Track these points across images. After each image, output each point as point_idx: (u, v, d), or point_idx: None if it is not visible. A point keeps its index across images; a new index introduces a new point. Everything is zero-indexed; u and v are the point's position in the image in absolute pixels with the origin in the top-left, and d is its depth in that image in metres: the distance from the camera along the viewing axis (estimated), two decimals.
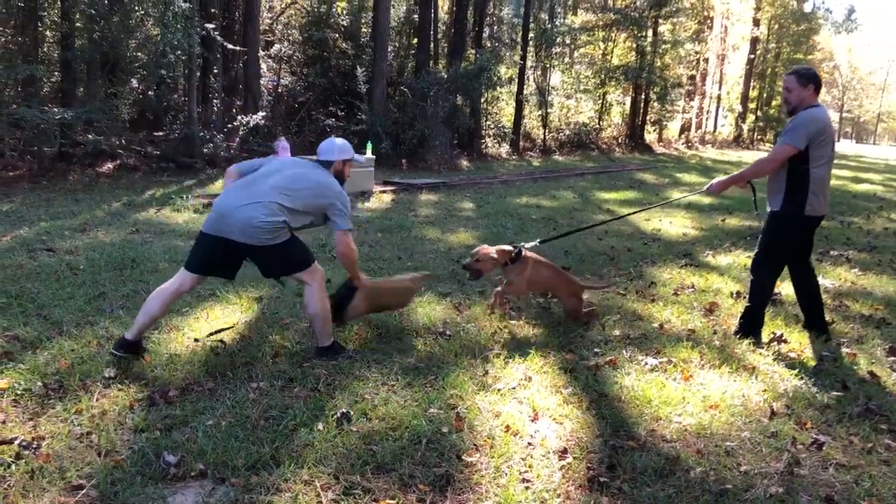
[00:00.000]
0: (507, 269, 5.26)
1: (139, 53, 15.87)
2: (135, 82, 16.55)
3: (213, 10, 17.76)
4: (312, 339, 4.79)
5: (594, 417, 3.77)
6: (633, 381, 4.22)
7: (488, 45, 25.41)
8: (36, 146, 14.13)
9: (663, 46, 32.05)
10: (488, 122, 25.42)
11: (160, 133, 17.53)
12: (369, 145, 14.89)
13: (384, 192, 13.63)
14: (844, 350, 4.94)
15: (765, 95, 45.93)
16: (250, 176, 4.38)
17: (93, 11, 14.63)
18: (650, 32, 31.59)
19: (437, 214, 11.04)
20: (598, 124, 31.60)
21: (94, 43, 14.68)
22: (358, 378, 4.16)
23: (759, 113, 45.60)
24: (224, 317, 5.25)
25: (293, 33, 23.56)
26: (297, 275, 4.38)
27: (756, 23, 42.93)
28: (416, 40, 24.26)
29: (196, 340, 4.68)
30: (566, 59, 32.09)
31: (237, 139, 17.49)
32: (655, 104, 34.09)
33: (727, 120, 47.05)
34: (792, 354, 4.84)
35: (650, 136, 35.76)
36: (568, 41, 31.11)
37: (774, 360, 4.70)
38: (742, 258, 7.97)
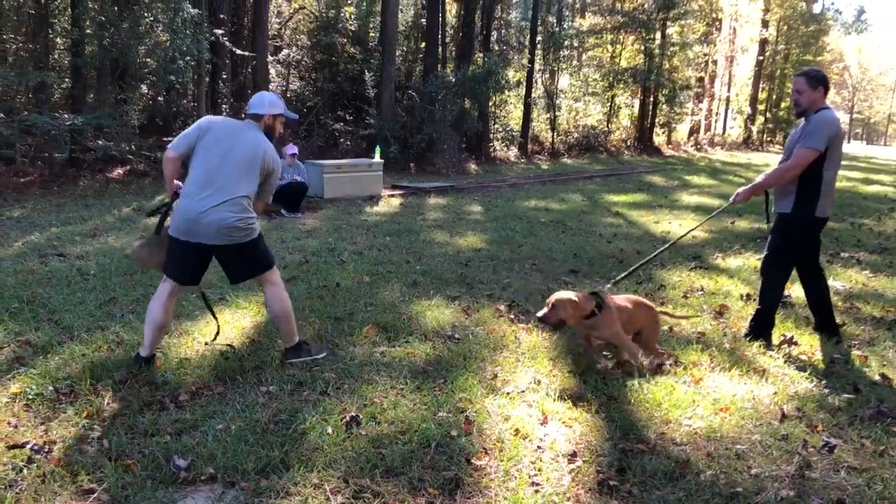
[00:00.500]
0: (593, 322, 4.39)
1: (149, 59, 15.95)
2: (144, 88, 16.64)
3: (221, 16, 17.84)
4: (321, 342, 4.82)
5: (603, 420, 3.76)
6: (643, 384, 4.21)
7: (496, 48, 25.42)
8: (47, 152, 14.23)
9: (671, 49, 32.00)
10: (496, 126, 25.42)
11: (170, 138, 17.55)
12: (378, 149, 14.92)
13: (392, 195, 13.66)
14: (856, 352, 4.91)
15: (774, 97, 45.79)
16: (204, 165, 4.11)
17: (103, 18, 14.72)
18: (658, 35, 31.53)
19: (446, 218, 11.04)
20: (607, 127, 31.56)
21: (104, 49, 14.77)
22: (367, 382, 4.17)
23: (768, 115, 45.46)
24: (233, 321, 5.27)
25: (301, 38, 23.63)
26: (264, 275, 4.33)
27: (765, 24, 42.80)
28: (423, 44, 24.28)
29: (206, 344, 4.70)
30: (574, 62, 32.07)
31: None
32: (664, 106, 34.04)
33: (736, 122, 46.92)
34: (803, 357, 4.82)
35: (659, 138, 35.68)
36: (576, 44, 31.09)
37: (785, 362, 4.68)
38: (752, 260, 7.94)
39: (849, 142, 77.53)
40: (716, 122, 46.15)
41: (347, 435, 3.49)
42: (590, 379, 4.30)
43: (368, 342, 4.90)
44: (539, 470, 3.25)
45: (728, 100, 46.26)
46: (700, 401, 4.00)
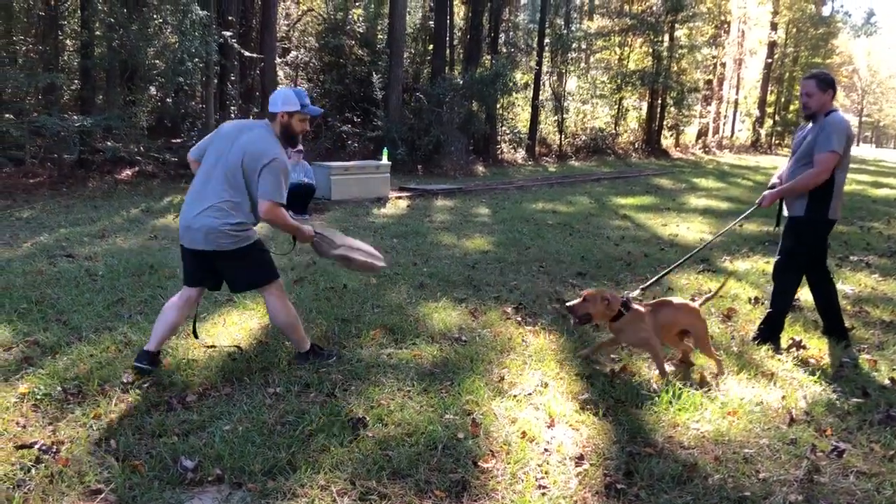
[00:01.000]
0: (619, 326, 4.38)
1: (157, 61, 16.03)
2: (153, 90, 16.72)
3: (230, 18, 17.90)
4: (328, 344, 4.82)
5: (611, 424, 3.75)
6: (650, 387, 4.19)
7: (504, 50, 25.42)
8: (56, 153, 14.31)
9: (680, 51, 31.93)
10: (504, 128, 25.42)
11: (178, 140, 17.67)
12: (385, 151, 14.94)
13: (400, 197, 13.66)
14: (865, 356, 4.88)
15: (783, 100, 45.64)
16: (204, 168, 4.13)
17: (112, 20, 14.80)
18: (666, 37, 31.48)
19: (453, 220, 11.04)
20: (615, 129, 31.51)
21: (114, 51, 14.85)
22: (374, 383, 4.17)
23: (776, 117, 45.33)
24: (241, 322, 5.27)
25: (310, 40, 23.70)
26: (263, 287, 4.25)
27: (774, 27, 42.68)
28: (431, 46, 24.32)
29: (212, 347, 4.71)
30: (582, 65, 32.05)
31: None
32: (672, 109, 33.97)
33: (744, 125, 46.78)
34: (811, 361, 4.79)
35: (667, 141, 35.60)
36: (584, 46, 31.09)
37: (793, 366, 4.65)
38: (760, 264, 7.91)
39: (858, 145, 77.16)
40: (724, 124, 46.03)
41: (354, 437, 3.49)
42: (597, 382, 4.29)
43: (375, 344, 4.90)
44: (546, 473, 3.24)
45: (736, 102, 46.14)
46: (708, 404, 3.98)
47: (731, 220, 11.39)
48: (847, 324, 5.34)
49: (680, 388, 4.16)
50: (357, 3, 24.06)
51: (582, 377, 4.38)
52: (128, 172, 15.07)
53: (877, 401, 4.11)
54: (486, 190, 15.76)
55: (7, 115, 13.28)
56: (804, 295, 6.12)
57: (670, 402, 3.97)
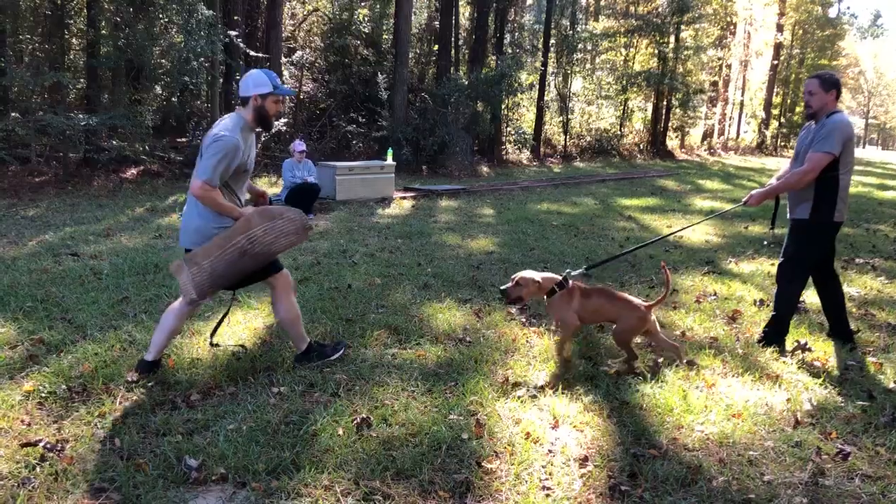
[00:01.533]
0: (551, 302, 4.62)
1: (163, 60, 16.07)
2: (158, 89, 16.75)
3: (236, 18, 17.93)
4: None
5: (615, 425, 3.74)
6: (655, 389, 4.19)
7: (509, 51, 25.43)
8: (62, 152, 14.35)
9: (685, 52, 31.88)
10: (509, 129, 25.42)
11: (183, 139, 17.72)
12: (390, 151, 14.95)
13: (404, 198, 13.67)
14: (870, 359, 4.87)
15: (788, 102, 45.54)
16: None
17: (118, 19, 14.84)
18: (672, 38, 31.42)
19: (458, 221, 11.04)
20: (620, 130, 31.47)
21: (119, 50, 14.88)
22: (378, 383, 4.17)
23: (782, 119, 45.21)
24: (245, 322, 5.28)
25: (315, 40, 23.72)
26: (268, 279, 4.22)
27: (780, 28, 42.57)
28: (436, 47, 24.33)
29: (217, 345, 4.71)
30: (587, 66, 32.02)
31: (259, 145, 17.63)
32: (677, 110, 33.92)
33: (750, 126, 46.67)
34: (816, 363, 4.78)
35: (672, 142, 35.56)
36: (589, 47, 31.05)
37: (798, 368, 4.64)
38: (765, 266, 7.89)
39: (864, 147, 77.04)
40: (729, 126, 45.95)
41: (358, 437, 3.49)
42: (601, 383, 4.28)
43: (379, 344, 4.90)
44: (550, 474, 3.24)
45: (742, 104, 46.06)
46: (712, 406, 3.98)
47: (737, 222, 11.39)
48: (853, 326, 5.32)
49: (685, 391, 4.16)
50: (363, 4, 24.07)
51: (586, 378, 4.38)
52: (133, 171, 15.11)
53: (882, 404, 4.10)
54: (490, 190, 15.75)
55: (13, 114, 13.33)
56: (810, 297, 6.10)
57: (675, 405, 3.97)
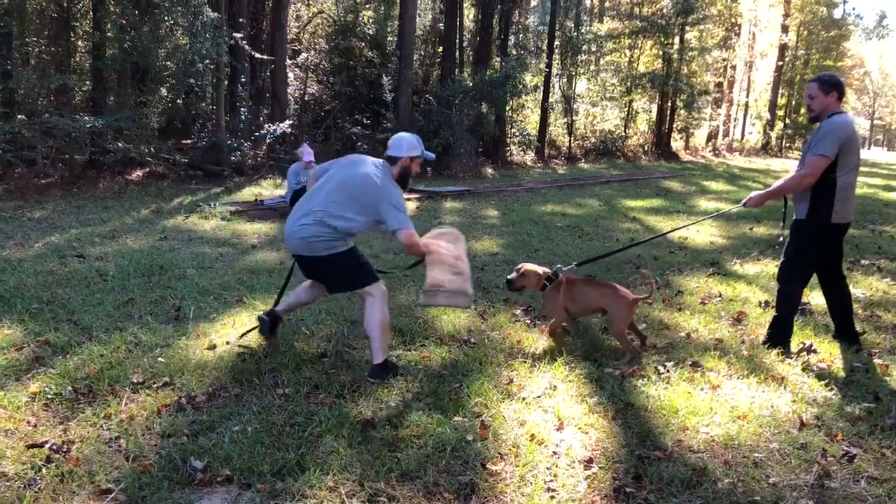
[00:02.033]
0: (544, 294, 5.04)
1: (168, 62, 16.12)
2: (164, 91, 16.81)
3: (241, 20, 17.97)
4: (340, 345, 4.82)
5: (620, 427, 3.74)
6: (660, 391, 4.18)
7: (514, 52, 25.40)
8: (67, 154, 14.40)
9: (690, 53, 31.85)
10: (513, 130, 25.41)
11: (188, 141, 17.76)
12: None
13: (409, 199, 13.67)
14: (876, 361, 4.85)
15: (793, 103, 45.43)
16: (314, 187, 4.50)
17: (123, 21, 14.90)
18: (677, 39, 31.40)
19: (462, 222, 11.04)
20: (624, 132, 31.46)
21: (125, 52, 14.94)
22: (382, 385, 4.17)
23: (787, 120, 45.13)
24: (251, 323, 5.28)
25: (320, 42, 23.77)
26: (361, 290, 4.39)
27: (785, 29, 42.52)
28: (441, 48, 24.35)
29: (227, 343, 4.72)
30: (592, 67, 32.01)
31: (264, 147, 17.67)
32: (682, 112, 33.87)
33: (755, 128, 46.61)
34: (822, 365, 4.76)
35: (676, 143, 35.52)
36: (594, 49, 31.05)
37: (804, 370, 4.63)
38: (770, 267, 7.87)
39: (869, 148, 76.79)
40: (734, 127, 45.91)
41: (363, 438, 3.49)
42: (606, 385, 4.28)
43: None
44: (555, 476, 3.23)
45: (747, 105, 46.00)
46: (717, 408, 3.97)
47: (742, 224, 11.37)
48: (858, 328, 5.30)
49: (690, 392, 4.15)
50: (367, 6, 24.10)
51: (591, 380, 4.38)
52: (138, 173, 15.15)
53: (888, 406, 4.08)
54: (495, 192, 15.75)
55: (19, 116, 13.37)
56: (815, 298, 6.09)
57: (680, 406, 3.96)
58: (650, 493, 3.11)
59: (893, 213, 13.72)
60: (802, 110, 43.49)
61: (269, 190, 14.55)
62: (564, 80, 29.03)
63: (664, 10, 30.97)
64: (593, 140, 29.70)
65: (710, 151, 37.86)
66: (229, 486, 3.08)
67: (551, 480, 3.19)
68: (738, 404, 4.03)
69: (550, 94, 26.80)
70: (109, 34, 15.52)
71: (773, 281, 7.04)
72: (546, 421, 3.77)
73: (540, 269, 5.08)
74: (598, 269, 7.58)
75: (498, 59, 24.03)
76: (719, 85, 40.50)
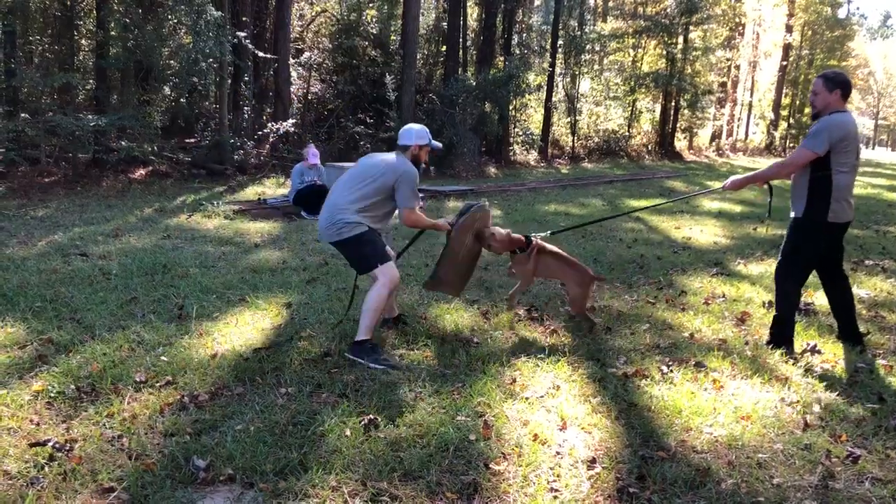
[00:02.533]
0: (515, 259, 5.46)
1: (172, 61, 16.12)
2: (167, 90, 16.81)
3: (244, 19, 17.97)
4: (343, 344, 4.82)
5: (623, 427, 3.73)
6: (663, 391, 4.17)
7: (517, 52, 25.39)
8: (71, 153, 14.42)
9: (694, 53, 31.78)
10: (516, 130, 25.40)
11: (192, 140, 17.77)
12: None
13: None
14: (880, 362, 4.83)
15: (797, 103, 45.34)
16: (338, 181, 4.93)
17: (127, 20, 14.91)
18: (680, 39, 31.35)
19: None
20: (628, 132, 31.42)
21: (128, 51, 14.95)
22: (385, 384, 4.17)
23: (791, 120, 45.05)
24: (253, 322, 5.29)
25: (323, 41, 23.75)
26: (373, 271, 4.65)
27: (789, 29, 42.44)
28: (444, 48, 24.34)
29: (217, 352, 4.72)
30: (595, 66, 31.98)
31: (267, 146, 17.68)
32: (686, 111, 33.84)
33: (759, 128, 46.54)
34: (826, 365, 4.75)
35: (680, 143, 35.47)
36: (597, 48, 31.03)
37: (808, 371, 4.61)
38: (774, 267, 7.84)
39: (873, 148, 76.64)
40: (738, 127, 45.82)
41: (366, 437, 3.49)
42: (609, 385, 4.27)
43: (387, 345, 4.90)
44: (558, 476, 3.23)
45: (751, 105, 45.91)
46: (721, 408, 3.96)
47: (746, 224, 11.35)
48: (862, 328, 5.28)
49: (693, 392, 4.14)
50: (371, 5, 24.09)
51: (594, 380, 4.37)
52: (141, 172, 15.16)
53: (892, 406, 4.07)
54: (498, 191, 15.74)
55: (23, 115, 13.39)
56: (819, 299, 6.08)
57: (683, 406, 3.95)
58: (654, 494, 3.10)
59: None
60: (807, 110, 43.41)
61: (272, 189, 14.55)
62: (568, 79, 29.00)
63: (668, 10, 30.93)
64: (597, 140, 29.67)
65: (713, 151, 37.82)
66: (232, 485, 3.08)
67: (554, 480, 3.19)
68: (741, 405, 4.02)
69: (554, 94, 26.77)
70: (113, 33, 15.53)
71: None
72: (549, 421, 3.77)
73: (508, 232, 5.46)
74: (601, 268, 7.57)
75: (501, 58, 24.02)
76: (723, 85, 40.41)
